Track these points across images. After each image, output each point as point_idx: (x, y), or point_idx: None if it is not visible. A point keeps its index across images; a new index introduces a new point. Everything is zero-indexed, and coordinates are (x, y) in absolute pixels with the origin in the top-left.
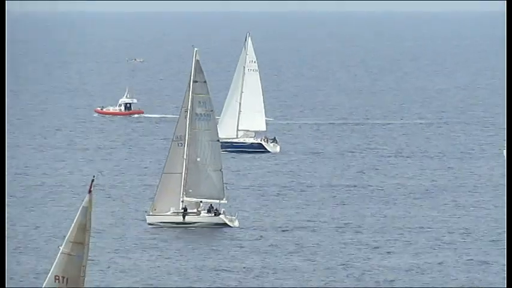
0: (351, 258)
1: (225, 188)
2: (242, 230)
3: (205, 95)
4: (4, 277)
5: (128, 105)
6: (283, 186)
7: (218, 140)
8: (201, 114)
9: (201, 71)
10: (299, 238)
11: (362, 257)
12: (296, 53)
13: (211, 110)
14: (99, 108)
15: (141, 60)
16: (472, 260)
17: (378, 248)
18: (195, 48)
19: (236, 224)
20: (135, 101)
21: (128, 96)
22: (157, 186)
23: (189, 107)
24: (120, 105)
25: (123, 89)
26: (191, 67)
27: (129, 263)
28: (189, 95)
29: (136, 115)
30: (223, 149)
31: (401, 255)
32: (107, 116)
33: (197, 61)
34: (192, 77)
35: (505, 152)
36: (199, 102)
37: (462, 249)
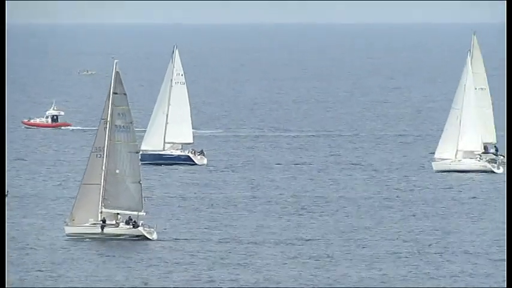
0: (269, 270)
1: (143, 200)
2: (160, 242)
3: (125, 107)
4: (4, 277)
5: (55, 117)
6: (206, 198)
7: (137, 152)
8: (120, 126)
9: (121, 83)
10: (219, 250)
11: (279, 270)
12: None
13: (131, 122)
14: (26, 120)
15: (93, 72)
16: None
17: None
18: (115, 60)
19: (155, 236)
20: (62, 113)
21: (55, 109)
22: (76, 197)
23: (108, 119)
24: (47, 117)
25: (57, 101)
26: (111, 79)
27: (44, 275)
28: (108, 107)
29: (63, 127)
30: (151, 161)
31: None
32: (33, 127)
33: (117, 73)
34: (112, 89)
35: (433, 163)
36: (119, 114)
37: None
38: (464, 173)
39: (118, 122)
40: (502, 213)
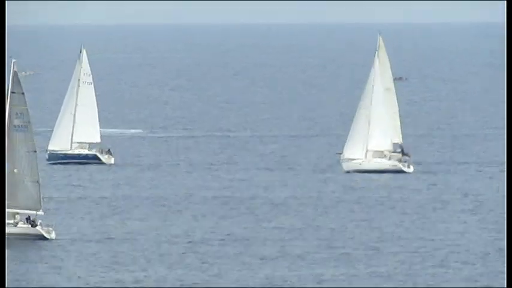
0: (168, 267)
1: (42, 199)
2: (58, 241)
3: (23, 107)
4: (4, 277)
5: None
6: (110, 198)
7: (35, 151)
8: (18, 125)
9: (19, 83)
10: (117, 250)
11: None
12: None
13: (29, 122)
14: None
15: (31, 73)
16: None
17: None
18: (13, 60)
19: (53, 235)
20: None
21: None
22: None
23: (6, 119)
24: None
25: None
26: (9, 79)
27: None
28: (6, 107)
29: None
30: (58, 161)
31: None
32: None
33: (15, 72)
34: (10, 89)
35: (343, 164)
36: (17, 113)
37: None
38: (375, 173)
39: (16, 122)
40: (415, 209)
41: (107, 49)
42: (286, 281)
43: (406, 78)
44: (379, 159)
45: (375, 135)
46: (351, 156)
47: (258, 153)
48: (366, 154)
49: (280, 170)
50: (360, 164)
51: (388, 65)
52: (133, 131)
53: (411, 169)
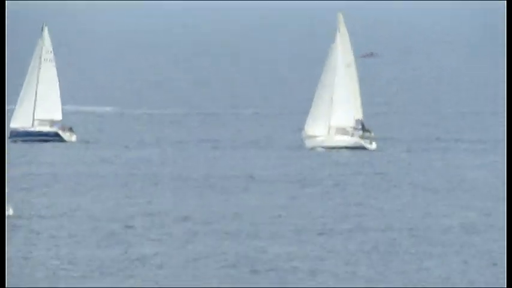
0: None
1: None
2: (16, 218)
3: None
4: (4, 277)
5: None
6: (70, 175)
7: None
8: None
9: None
10: (80, 229)
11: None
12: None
13: None
14: None
15: None
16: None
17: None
18: None
19: (11, 212)
20: None
21: None
22: None
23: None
24: None
25: None
26: None
27: None
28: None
29: None
30: (20, 138)
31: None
32: None
33: None
34: None
35: (306, 140)
36: None
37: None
38: (337, 150)
39: None
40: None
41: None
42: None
43: (377, 54)
44: (341, 136)
45: (337, 112)
46: (314, 133)
47: (226, 131)
48: (328, 131)
49: (243, 147)
50: (323, 140)
51: (348, 42)
52: (107, 108)
53: (373, 146)
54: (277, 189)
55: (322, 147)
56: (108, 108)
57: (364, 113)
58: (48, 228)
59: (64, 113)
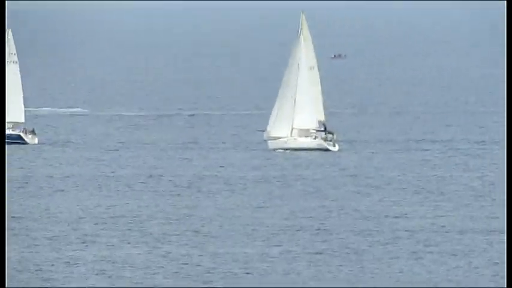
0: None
1: None
2: None
3: None
4: (4, 277)
5: None
6: (31, 177)
7: None
8: None
9: None
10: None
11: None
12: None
13: None
14: None
15: None
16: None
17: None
18: None
19: None
20: None
21: None
22: None
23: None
24: None
25: None
26: None
27: None
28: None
29: None
30: None
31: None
32: None
33: None
34: None
35: (269, 142)
36: None
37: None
38: (300, 151)
39: None
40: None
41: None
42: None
43: (345, 56)
44: (304, 138)
45: (300, 114)
46: (277, 134)
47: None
48: (291, 132)
49: (204, 148)
50: (286, 142)
51: (311, 43)
52: (73, 109)
53: (336, 147)
54: (243, 190)
55: (285, 148)
56: (77, 109)
57: (328, 115)
58: None
59: (38, 115)
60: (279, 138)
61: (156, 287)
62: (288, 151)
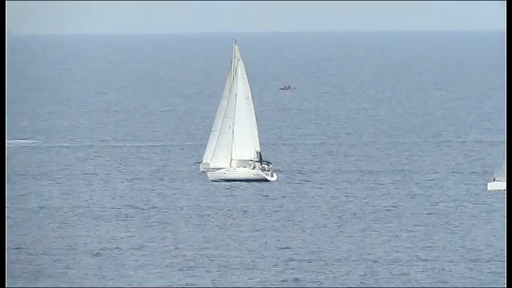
0: None
1: None
2: None
3: None
4: (4, 277)
5: None
6: None
7: None
8: None
9: None
10: None
11: None
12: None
13: None
14: None
15: None
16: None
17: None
18: None
19: None
20: None
21: None
22: None
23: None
24: None
25: None
26: None
27: None
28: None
29: None
30: None
31: None
32: None
33: None
34: None
35: (208, 173)
36: None
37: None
38: (240, 182)
39: None
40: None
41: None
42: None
43: (294, 87)
44: (243, 168)
45: (238, 144)
46: (216, 166)
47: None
48: (230, 163)
49: (145, 179)
50: (225, 173)
51: (245, 74)
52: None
53: (274, 177)
54: (182, 221)
55: (224, 179)
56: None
57: (264, 145)
58: None
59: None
60: (218, 169)
61: (157, 287)
62: (225, 181)
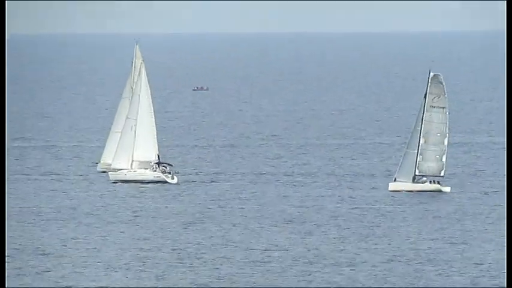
0: None
1: None
2: None
3: None
4: (4, 277)
5: None
6: None
7: None
8: None
9: None
10: None
11: None
12: None
13: None
14: None
15: None
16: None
17: None
18: None
19: None
20: None
21: None
22: None
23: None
24: None
25: None
26: None
27: None
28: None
29: None
30: None
31: None
32: None
33: None
34: None
35: (110, 173)
36: None
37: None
38: (140, 183)
39: None
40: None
41: None
42: None
43: (207, 88)
44: (144, 170)
45: (140, 146)
46: (117, 166)
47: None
48: (131, 164)
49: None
50: (126, 174)
51: (145, 74)
52: None
53: (175, 180)
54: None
55: (125, 180)
56: None
57: (165, 147)
58: None
59: None
60: (120, 170)
61: (158, 287)
62: (126, 183)
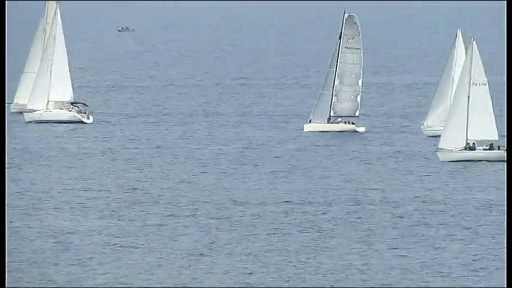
0: None
1: None
2: None
3: None
4: (4, 277)
5: None
6: None
7: None
8: None
9: None
10: None
11: None
12: None
13: None
14: None
15: None
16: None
17: None
18: None
19: None
20: None
21: None
22: None
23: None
24: None
25: None
26: None
27: None
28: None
29: None
30: None
31: None
32: None
33: None
34: None
35: (25, 114)
36: None
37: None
38: (56, 124)
39: None
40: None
41: None
42: None
43: (132, 29)
44: (59, 110)
45: (55, 86)
46: (33, 107)
47: None
48: (47, 105)
49: None
50: (41, 114)
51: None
52: None
53: (90, 120)
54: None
55: (40, 120)
56: None
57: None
58: None
59: None
60: (35, 111)
61: (161, 287)
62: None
